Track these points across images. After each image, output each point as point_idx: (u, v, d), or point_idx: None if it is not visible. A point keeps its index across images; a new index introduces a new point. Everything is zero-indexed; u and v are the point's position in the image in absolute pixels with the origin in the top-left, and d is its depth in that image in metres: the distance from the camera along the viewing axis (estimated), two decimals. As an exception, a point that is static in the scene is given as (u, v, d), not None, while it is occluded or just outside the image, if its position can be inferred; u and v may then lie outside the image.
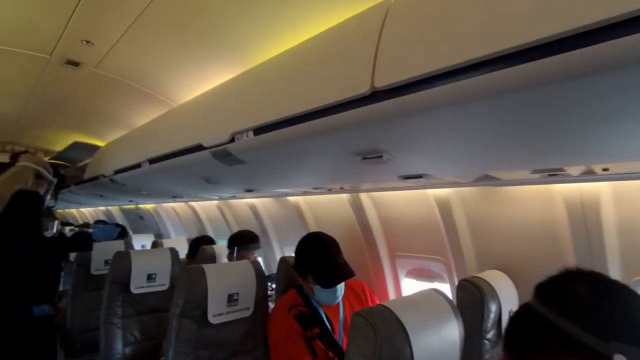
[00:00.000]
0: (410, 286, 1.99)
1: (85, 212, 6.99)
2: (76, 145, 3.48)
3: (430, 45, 0.73)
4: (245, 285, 1.66)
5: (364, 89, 0.87)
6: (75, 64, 1.84)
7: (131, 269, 2.06)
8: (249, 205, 2.82)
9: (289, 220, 2.57)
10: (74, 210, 7.33)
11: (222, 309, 1.57)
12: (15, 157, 2.02)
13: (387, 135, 0.97)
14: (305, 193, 2.17)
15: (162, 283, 2.18)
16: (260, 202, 2.77)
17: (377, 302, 1.75)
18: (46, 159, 3.26)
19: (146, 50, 1.72)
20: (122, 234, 3.19)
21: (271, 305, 1.93)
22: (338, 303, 1.58)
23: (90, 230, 2.14)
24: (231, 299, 1.61)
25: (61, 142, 3.54)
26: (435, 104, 0.77)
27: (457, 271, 1.67)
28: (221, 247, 2.53)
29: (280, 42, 1.38)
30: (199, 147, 1.49)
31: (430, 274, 1.87)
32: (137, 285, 2.10)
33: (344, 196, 2.04)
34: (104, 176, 2.65)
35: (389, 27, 0.85)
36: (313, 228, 2.35)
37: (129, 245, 3.48)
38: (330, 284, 1.49)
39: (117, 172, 2.38)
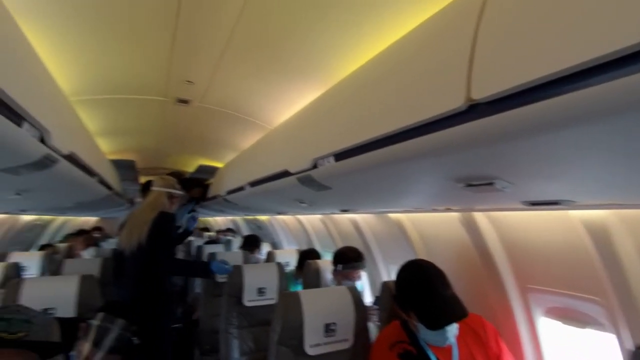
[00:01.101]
0: (551, 329, 1.55)
1: (219, 220, 8.09)
2: (202, 168, 4.03)
3: (555, 37, 0.48)
4: (343, 314, 1.56)
5: (457, 102, 0.65)
6: (184, 101, 2.08)
7: (243, 283, 2.20)
8: (351, 221, 2.73)
9: (394, 237, 2.37)
10: (210, 219, 8.58)
11: (319, 339, 1.50)
12: (147, 184, 2.40)
13: (496, 158, 0.72)
14: (407, 211, 1.95)
15: (271, 297, 2.26)
16: (362, 218, 2.65)
17: (504, 346, 1.42)
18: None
19: (238, 80, 1.81)
20: (255, 244, 3.47)
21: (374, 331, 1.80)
22: (451, 344, 1.32)
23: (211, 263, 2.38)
24: (328, 329, 1.53)
25: (191, 165, 4.16)
26: (570, 116, 0.50)
27: (628, 320, 1.21)
28: (326, 262, 2.50)
29: (359, 53, 1.24)
30: (286, 173, 1.46)
31: (582, 317, 1.41)
32: (249, 299, 2.22)
33: (454, 214, 1.75)
34: (220, 195, 2.95)
35: (489, 19, 0.61)
36: (419, 248, 2.10)
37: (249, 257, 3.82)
38: (437, 325, 1.25)
39: (229, 192, 2.61)
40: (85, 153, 1.45)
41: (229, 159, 3.26)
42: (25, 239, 4.28)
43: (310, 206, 1.97)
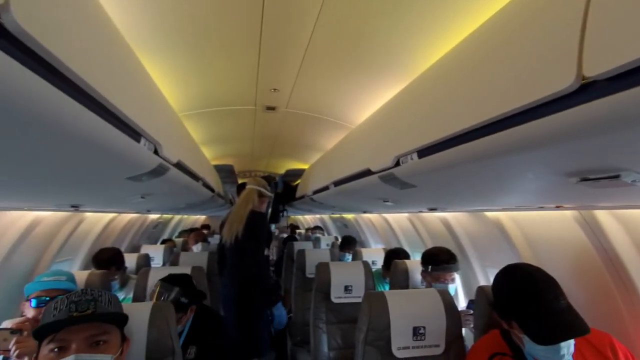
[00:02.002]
0: None
1: (308, 218, 8.45)
2: (291, 170, 4.27)
3: None
4: (432, 318, 1.48)
5: (566, 81, 0.54)
6: (272, 108, 2.22)
7: (330, 280, 2.25)
8: (441, 220, 2.56)
9: (491, 238, 2.15)
10: (299, 217, 9.01)
11: (407, 342, 1.45)
12: (242, 185, 2.62)
13: (622, 146, 0.58)
14: (507, 209, 1.74)
15: (358, 295, 2.26)
16: (453, 217, 2.46)
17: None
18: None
19: (319, 83, 1.85)
20: (351, 244, 3.56)
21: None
22: (566, 362, 1.13)
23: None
24: (417, 332, 1.47)
25: (281, 167, 4.44)
26: None
27: None
28: (414, 263, 2.40)
29: (443, 41, 1.14)
30: (367, 172, 1.44)
31: None
32: (336, 295, 2.26)
33: (568, 213, 1.50)
34: (307, 195, 3.07)
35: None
36: (524, 250, 1.85)
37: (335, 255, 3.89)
38: (550, 340, 1.08)
39: (315, 192, 2.70)
40: (191, 161, 1.66)
41: (315, 159, 3.37)
42: (152, 234, 5.11)
43: (395, 205, 1.91)
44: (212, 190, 2.64)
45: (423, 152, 1.02)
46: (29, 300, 1.57)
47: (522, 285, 1.17)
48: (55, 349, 0.86)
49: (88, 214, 2.76)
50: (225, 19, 1.27)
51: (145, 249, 3.64)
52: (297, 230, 7.15)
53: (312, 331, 2.26)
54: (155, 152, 1.04)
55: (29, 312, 1.56)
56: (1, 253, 1.95)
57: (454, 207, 1.85)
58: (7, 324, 1.51)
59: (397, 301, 1.50)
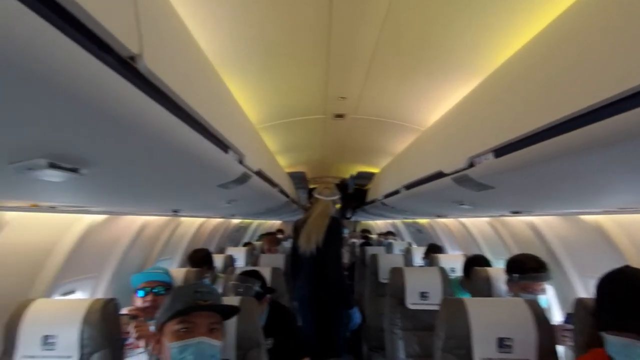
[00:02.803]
0: None
1: (379, 223, 8.34)
2: (360, 174, 4.30)
3: None
4: (520, 330, 1.37)
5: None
6: (340, 116, 2.29)
7: (405, 285, 2.21)
8: (528, 224, 2.34)
9: (591, 244, 1.90)
10: (371, 222, 8.94)
11: (491, 353, 1.37)
12: (310, 190, 2.73)
13: None
14: (608, 212, 1.53)
15: (435, 302, 2.18)
16: (543, 221, 2.23)
17: None
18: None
19: (387, 87, 1.86)
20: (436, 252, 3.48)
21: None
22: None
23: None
24: (503, 344, 1.37)
25: (350, 172, 4.50)
26: None
27: None
28: (497, 270, 2.24)
29: (517, 35, 1.08)
30: (440, 174, 1.40)
31: None
32: (412, 301, 2.21)
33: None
34: (377, 200, 3.06)
35: None
36: (633, 259, 1.60)
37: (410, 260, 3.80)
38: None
39: (385, 196, 2.69)
40: (269, 169, 1.81)
41: (384, 164, 3.36)
42: (234, 237, 5.58)
43: (473, 208, 1.81)
44: (287, 196, 2.81)
45: (500, 151, 0.97)
46: (136, 291, 1.88)
47: (633, 293, 1.02)
48: (183, 329, 0.99)
49: (183, 219, 3.15)
50: (295, 35, 1.36)
51: (230, 251, 3.99)
52: (369, 235, 7.10)
53: (388, 337, 2.24)
54: (240, 162, 1.18)
55: (137, 301, 1.87)
56: (121, 250, 2.35)
57: (541, 210, 1.68)
58: (124, 311, 1.82)
59: (478, 309, 1.43)
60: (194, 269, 2.48)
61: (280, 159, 3.36)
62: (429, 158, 1.60)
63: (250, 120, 1.75)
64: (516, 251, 2.51)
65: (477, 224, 3.25)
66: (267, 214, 4.23)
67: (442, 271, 2.29)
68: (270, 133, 2.55)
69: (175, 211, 1.95)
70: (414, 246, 4.55)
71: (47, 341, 1.45)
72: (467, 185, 1.28)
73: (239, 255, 3.88)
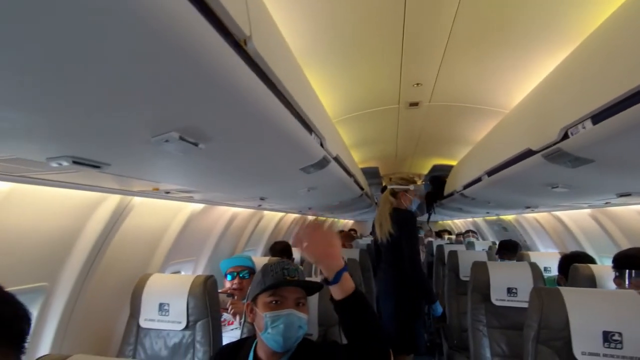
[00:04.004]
0: None
1: (458, 222, 7.88)
2: (436, 167, 4.13)
3: None
4: (633, 325, 1.22)
5: None
6: (415, 104, 2.25)
7: (490, 280, 2.09)
8: (640, 213, 2.03)
9: None
10: (449, 222, 8.49)
11: (595, 347, 1.24)
12: (384, 188, 2.72)
13: None
14: None
15: (524, 299, 2.03)
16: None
17: None
18: (419, 182, 4.08)
19: (464, 71, 1.79)
20: (511, 250, 3.24)
21: None
22: None
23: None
24: (610, 339, 1.24)
25: (426, 166, 4.35)
26: None
27: None
28: (603, 268, 2.00)
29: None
30: (528, 153, 1.31)
31: None
32: (498, 298, 2.09)
33: None
34: (456, 191, 2.92)
35: None
36: None
37: (492, 256, 3.55)
38: None
39: (465, 186, 2.56)
40: (345, 158, 1.88)
41: (462, 155, 3.20)
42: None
43: (569, 191, 1.64)
44: (361, 188, 2.86)
45: (599, 116, 0.89)
46: (225, 275, 2.13)
47: None
48: (274, 301, 1.10)
49: (265, 213, 3.42)
50: (370, 24, 1.41)
51: (306, 245, 4.18)
52: (447, 236, 6.75)
53: (472, 334, 2.14)
54: (321, 144, 1.27)
55: (227, 284, 2.12)
56: (215, 238, 2.66)
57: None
58: (221, 291, 2.07)
59: (577, 299, 1.31)
60: (276, 259, 2.69)
61: (353, 153, 3.42)
62: (515, 138, 1.50)
63: (327, 112, 1.85)
64: (627, 245, 2.19)
65: (576, 217, 2.90)
66: (341, 209, 4.33)
67: (534, 267, 2.12)
68: (344, 126, 2.62)
69: (262, 199, 2.14)
70: (497, 245, 4.22)
71: (162, 308, 1.72)
72: (561, 162, 1.18)
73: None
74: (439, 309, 2.43)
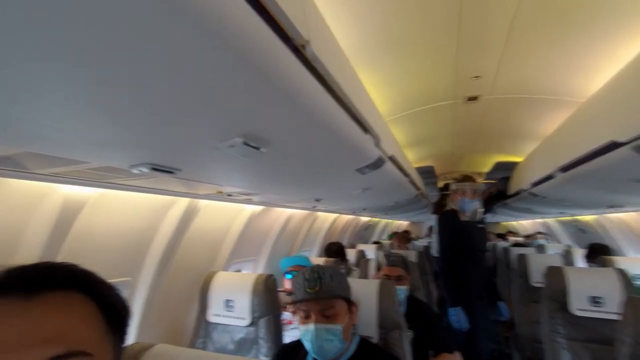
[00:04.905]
0: None
1: (524, 223, 7.26)
2: (498, 165, 3.85)
3: None
4: None
5: None
6: (473, 98, 2.13)
7: (567, 287, 1.90)
8: None
9: None
10: (514, 223, 7.86)
11: None
12: (445, 187, 2.61)
13: None
14: None
15: (612, 310, 1.81)
16: None
17: None
18: (479, 180, 3.85)
19: (528, 60, 1.65)
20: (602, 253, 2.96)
21: None
22: None
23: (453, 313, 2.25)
24: None
25: (485, 164, 4.07)
26: None
27: None
28: None
29: None
30: (612, 146, 1.16)
31: None
32: (580, 307, 1.89)
33: None
34: (524, 190, 2.69)
35: None
36: None
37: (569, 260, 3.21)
38: None
39: (534, 184, 2.35)
40: (400, 158, 1.84)
41: (529, 150, 2.94)
42: (363, 235, 5.77)
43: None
44: (417, 188, 2.77)
45: None
46: (284, 274, 2.19)
47: None
48: (302, 314, 1.12)
49: (319, 214, 3.46)
50: (422, 16, 1.36)
51: (360, 246, 4.16)
52: (512, 238, 6.25)
53: (548, 346, 1.96)
54: (376, 145, 1.25)
55: (286, 283, 2.18)
56: (272, 239, 2.75)
57: None
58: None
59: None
60: (332, 259, 2.71)
61: (408, 153, 3.33)
62: (595, 129, 1.35)
63: (379, 112, 1.82)
64: None
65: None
66: (396, 210, 4.23)
67: (621, 273, 1.88)
68: (398, 125, 2.56)
69: (317, 200, 2.17)
70: (576, 248, 3.82)
71: (228, 304, 1.82)
72: (654, 153, 1.03)
73: (369, 252, 4.01)
74: (502, 315, 2.29)
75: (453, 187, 2.32)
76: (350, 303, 1.18)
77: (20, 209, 1.15)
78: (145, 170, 0.92)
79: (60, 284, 0.50)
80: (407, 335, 1.50)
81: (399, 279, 1.84)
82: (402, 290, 1.78)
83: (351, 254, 3.43)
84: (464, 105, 2.25)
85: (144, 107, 0.60)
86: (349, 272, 2.98)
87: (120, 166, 0.96)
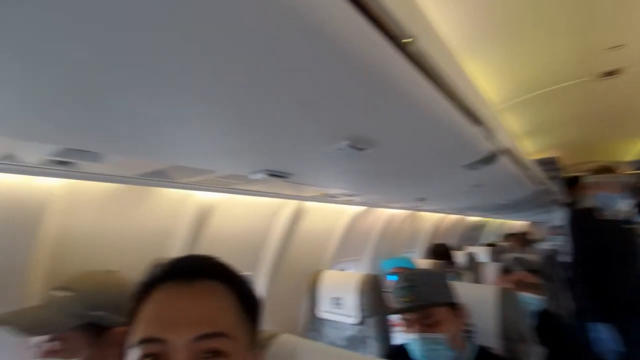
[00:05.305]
0: None
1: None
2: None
3: None
4: None
5: None
6: (612, 73, 1.74)
7: None
8: None
9: None
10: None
11: None
12: (572, 179, 2.21)
13: None
14: None
15: None
16: None
17: None
18: (621, 171, 3.16)
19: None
20: None
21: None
22: None
23: None
24: None
25: (627, 152, 3.31)
26: None
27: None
28: None
29: None
30: None
31: None
32: None
33: None
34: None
35: None
36: None
37: None
38: None
39: None
40: (516, 150, 1.64)
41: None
42: (470, 236, 5.30)
43: None
44: (537, 183, 2.42)
45: None
46: (387, 275, 2.17)
47: None
48: (405, 323, 1.06)
49: (422, 214, 3.32)
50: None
51: (468, 249, 3.83)
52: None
53: None
54: (488, 138, 1.14)
55: (389, 284, 2.15)
56: (374, 239, 2.76)
57: None
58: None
59: None
60: (437, 261, 2.57)
61: (526, 143, 2.93)
62: None
63: (488, 100, 1.66)
64: None
65: None
66: (511, 209, 3.78)
67: None
68: (511, 114, 2.28)
69: (421, 199, 2.09)
70: None
71: (336, 302, 1.88)
72: None
73: (481, 254, 3.67)
74: (611, 340, 1.84)
75: (588, 180, 1.96)
76: (454, 307, 1.09)
77: (169, 213, 1.40)
78: (261, 175, 1.03)
79: (210, 274, 0.60)
80: (537, 351, 1.32)
81: (531, 287, 1.62)
82: (534, 300, 1.56)
83: (460, 257, 3.19)
84: (597, 83, 1.87)
85: (264, 118, 0.67)
86: (457, 275, 2.78)
87: (241, 173, 1.09)
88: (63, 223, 1.10)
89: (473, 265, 2.68)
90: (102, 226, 1.21)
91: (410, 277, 1.08)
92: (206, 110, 0.62)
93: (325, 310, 1.93)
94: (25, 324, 0.79)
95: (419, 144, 0.95)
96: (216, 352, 0.53)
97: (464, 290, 1.27)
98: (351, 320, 1.78)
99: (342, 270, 2.68)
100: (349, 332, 1.80)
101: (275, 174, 1.02)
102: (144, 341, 0.52)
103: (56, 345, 0.83)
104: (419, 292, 1.05)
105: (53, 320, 0.82)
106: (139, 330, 0.53)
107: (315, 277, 2.03)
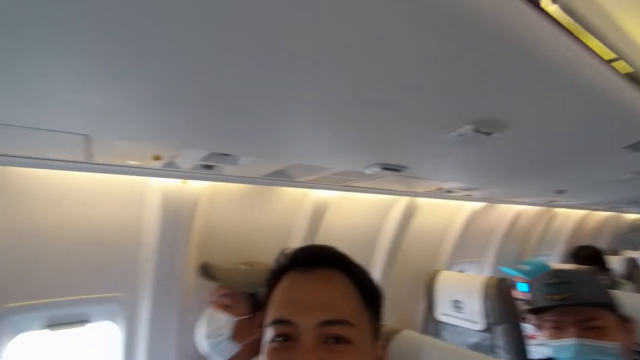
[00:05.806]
0: None
1: None
2: None
3: None
4: None
5: None
6: None
7: None
8: None
9: None
10: None
11: None
12: None
13: None
14: None
15: None
16: None
17: None
18: None
19: None
20: None
21: None
22: None
23: None
24: None
25: None
26: None
27: None
28: None
29: None
30: None
31: None
32: None
33: None
34: None
35: None
36: None
37: None
38: None
39: None
40: None
41: None
42: (629, 239, 4.27)
43: None
44: None
45: None
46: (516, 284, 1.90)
47: None
48: (553, 327, 0.88)
49: (558, 210, 2.82)
50: None
51: (628, 253, 3.09)
52: None
53: None
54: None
55: (518, 294, 1.87)
56: (497, 239, 2.47)
57: None
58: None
59: None
60: (585, 267, 2.14)
61: None
62: None
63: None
64: None
65: None
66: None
67: None
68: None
69: (559, 192, 1.77)
70: None
71: (456, 305, 1.75)
72: None
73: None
74: None
75: None
76: (622, 318, 0.88)
77: (289, 210, 1.52)
78: (376, 169, 1.02)
79: (328, 263, 0.63)
80: None
81: None
82: None
83: (616, 263, 2.61)
84: None
85: (376, 106, 0.66)
86: (614, 285, 2.27)
87: (355, 169, 1.11)
88: (206, 219, 1.30)
89: (634, 274, 2.14)
90: (235, 222, 1.39)
91: (563, 274, 0.90)
92: (326, 108, 0.65)
93: (444, 313, 1.82)
94: (229, 279, 1.18)
95: (564, 122, 0.80)
96: (339, 338, 0.55)
97: (629, 301, 1.02)
98: (476, 327, 1.63)
99: (462, 272, 2.48)
100: (474, 339, 1.65)
101: (389, 167, 1.00)
102: (277, 322, 0.58)
103: (228, 301, 1.15)
104: (576, 289, 0.86)
105: (248, 280, 1.17)
106: (272, 312, 0.60)
107: (432, 277, 1.92)
